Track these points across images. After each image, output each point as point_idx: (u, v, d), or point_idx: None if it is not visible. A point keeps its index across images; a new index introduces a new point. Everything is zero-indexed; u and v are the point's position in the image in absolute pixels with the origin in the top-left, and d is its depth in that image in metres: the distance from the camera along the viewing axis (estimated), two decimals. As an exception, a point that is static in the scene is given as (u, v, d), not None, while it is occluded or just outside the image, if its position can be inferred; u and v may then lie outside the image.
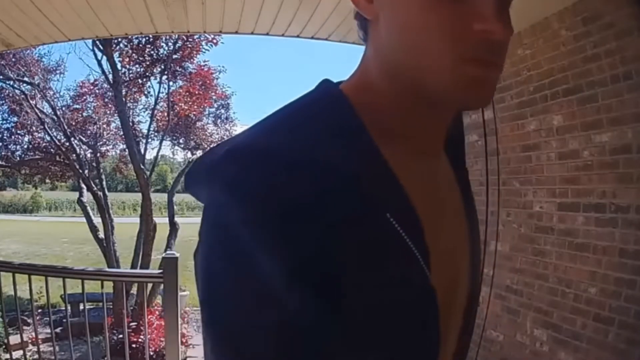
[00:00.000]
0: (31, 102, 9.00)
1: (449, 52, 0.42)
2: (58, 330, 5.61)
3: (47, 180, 11.39)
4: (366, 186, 0.42)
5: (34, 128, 9.57)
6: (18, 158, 9.85)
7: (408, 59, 0.45)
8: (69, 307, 3.60)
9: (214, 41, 9.28)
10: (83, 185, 9.06)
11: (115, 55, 8.76)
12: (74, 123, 9.75)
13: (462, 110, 0.56)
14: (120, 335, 4.65)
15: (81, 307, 6.21)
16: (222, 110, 11.31)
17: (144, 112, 10.46)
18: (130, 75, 9.39)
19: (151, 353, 5.23)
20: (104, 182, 9.14)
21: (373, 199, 0.43)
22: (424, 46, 0.43)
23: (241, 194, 0.40)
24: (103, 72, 9.10)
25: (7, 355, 5.30)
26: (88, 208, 9.16)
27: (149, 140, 9.89)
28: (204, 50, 9.50)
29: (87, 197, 9.15)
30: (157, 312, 6.64)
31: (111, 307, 6.88)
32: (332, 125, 0.45)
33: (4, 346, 5.58)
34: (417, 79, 0.45)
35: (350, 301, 0.39)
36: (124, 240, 9.61)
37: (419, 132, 0.50)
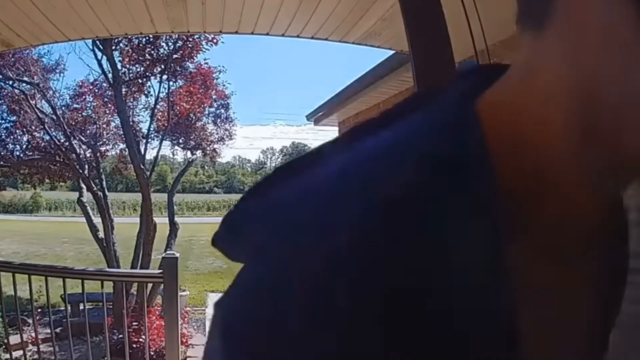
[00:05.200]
0: (30, 101, 8.99)
1: None
2: (58, 330, 5.60)
3: (47, 180, 11.38)
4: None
5: (33, 127, 9.56)
6: (17, 158, 9.84)
7: (630, 132, 0.27)
8: (69, 307, 3.60)
9: (214, 41, 9.29)
10: (83, 185, 9.06)
11: (115, 55, 8.77)
12: (73, 123, 9.74)
13: None
14: (120, 335, 4.65)
15: (81, 307, 6.21)
16: (222, 110, 11.33)
17: (144, 111, 10.48)
18: (130, 75, 9.40)
19: (151, 353, 5.23)
20: (104, 182, 9.13)
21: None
22: None
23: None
24: (103, 71, 9.11)
25: (7, 355, 5.30)
26: (88, 208, 9.15)
27: (149, 140, 9.89)
28: (204, 50, 9.52)
29: (87, 197, 9.15)
30: (157, 312, 6.64)
31: (111, 307, 6.88)
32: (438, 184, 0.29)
33: (4, 346, 5.58)
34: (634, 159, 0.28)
35: None
36: (124, 240, 9.61)
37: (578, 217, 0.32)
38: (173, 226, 8.80)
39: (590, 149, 0.29)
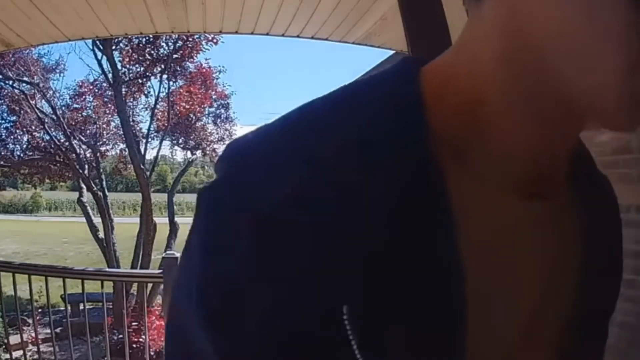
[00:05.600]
0: (31, 101, 9.00)
1: (622, 62, 0.30)
2: (58, 330, 5.60)
3: (47, 180, 11.39)
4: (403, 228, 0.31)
5: (33, 127, 9.57)
6: (17, 158, 9.84)
7: (558, 64, 0.32)
8: (69, 307, 3.60)
9: (214, 40, 9.30)
10: (83, 185, 9.06)
11: (115, 55, 8.77)
12: (73, 123, 9.75)
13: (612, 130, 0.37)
14: (120, 336, 4.65)
15: (81, 307, 6.21)
16: (222, 110, 11.33)
17: (144, 111, 10.49)
18: (130, 75, 9.40)
19: (151, 353, 5.24)
20: (104, 182, 9.14)
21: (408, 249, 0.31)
22: (585, 51, 0.31)
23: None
24: (103, 71, 9.11)
25: (7, 355, 5.31)
26: (88, 208, 9.16)
27: (149, 140, 9.90)
28: (204, 50, 9.52)
29: (87, 197, 9.15)
30: (157, 312, 6.64)
31: (111, 307, 6.88)
32: (376, 133, 0.33)
33: (4, 346, 5.58)
34: (563, 91, 0.32)
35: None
36: (124, 240, 9.61)
37: (526, 158, 0.36)
38: (173, 226, 8.80)
39: (521, 91, 0.34)
